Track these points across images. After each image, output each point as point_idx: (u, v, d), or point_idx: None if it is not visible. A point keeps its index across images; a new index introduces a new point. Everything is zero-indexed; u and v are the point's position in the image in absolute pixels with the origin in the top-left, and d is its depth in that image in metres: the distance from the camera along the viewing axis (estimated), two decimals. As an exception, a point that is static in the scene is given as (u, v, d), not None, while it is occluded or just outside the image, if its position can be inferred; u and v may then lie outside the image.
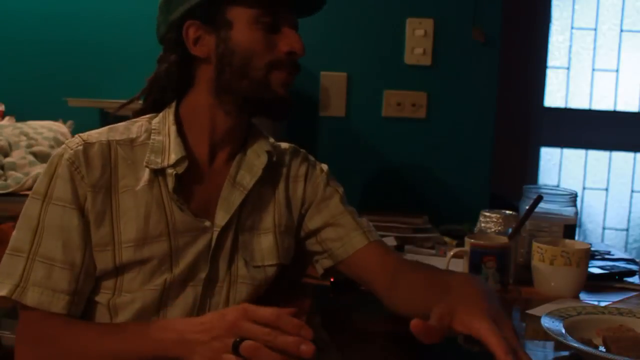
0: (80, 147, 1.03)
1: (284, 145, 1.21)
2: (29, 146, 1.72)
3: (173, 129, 1.07)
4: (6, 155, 1.68)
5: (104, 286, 1.03)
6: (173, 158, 1.04)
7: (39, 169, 1.63)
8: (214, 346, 0.84)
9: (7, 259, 1.00)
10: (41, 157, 1.70)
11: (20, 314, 1.01)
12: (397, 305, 1.09)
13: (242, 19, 1.03)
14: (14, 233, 1.01)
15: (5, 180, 1.61)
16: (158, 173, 1.04)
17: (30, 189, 1.13)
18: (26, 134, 1.76)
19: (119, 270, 1.02)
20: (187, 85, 1.09)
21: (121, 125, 1.10)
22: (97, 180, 1.02)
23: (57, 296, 0.98)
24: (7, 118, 1.90)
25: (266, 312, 0.83)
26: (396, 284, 1.08)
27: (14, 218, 1.05)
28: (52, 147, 1.75)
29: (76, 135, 1.06)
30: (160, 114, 1.11)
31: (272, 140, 1.19)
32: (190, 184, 1.07)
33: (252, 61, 1.03)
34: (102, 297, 1.03)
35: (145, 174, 1.04)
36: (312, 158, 1.22)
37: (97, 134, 1.06)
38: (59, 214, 1.00)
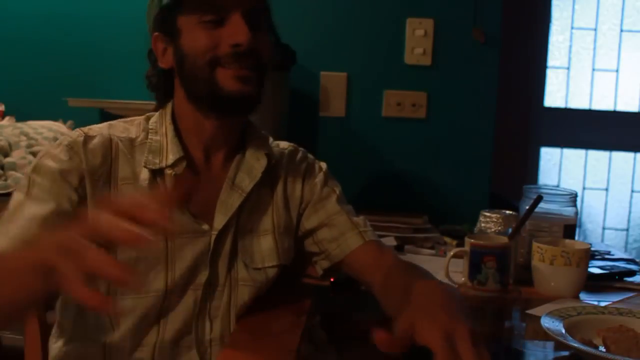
0: (81, 138, 1.04)
1: (283, 144, 1.21)
2: (29, 146, 1.72)
3: (170, 128, 1.07)
4: (6, 155, 1.68)
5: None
6: (171, 158, 1.04)
7: (39, 169, 1.63)
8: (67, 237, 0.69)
9: None
10: (41, 157, 1.70)
11: None
12: (385, 307, 1.08)
13: (188, 24, 1.02)
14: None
15: (5, 180, 1.61)
16: (157, 173, 1.04)
17: (30, 189, 1.14)
18: (26, 134, 1.76)
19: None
20: (171, 94, 1.10)
21: (120, 124, 1.10)
22: (97, 167, 1.02)
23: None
24: (7, 118, 1.90)
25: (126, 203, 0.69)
26: (387, 286, 1.08)
27: (14, 218, 1.05)
28: (52, 147, 1.75)
29: (76, 129, 1.06)
30: (157, 113, 1.11)
31: (270, 139, 1.18)
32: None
33: (196, 61, 1.01)
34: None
35: (144, 174, 1.04)
36: (310, 157, 1.22)
37: (97, 128, 1.07)
38: (49, 178, 0.99)
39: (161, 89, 1.11)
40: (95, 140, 1.04)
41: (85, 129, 1.06)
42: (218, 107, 1.04)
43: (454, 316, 0.78)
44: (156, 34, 1.06)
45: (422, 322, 0.77)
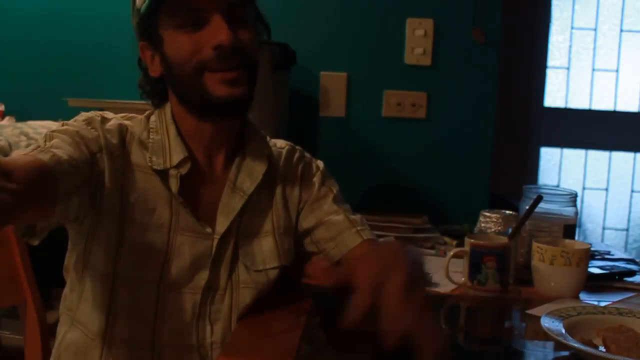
0: (98, 117, 1.03)
1: (280, 143, 1.20)
2: (28, 146, 1.72)
3: (172, 128, 1.07)
4: (6, 155, 1.68)
5: (102, 255, 1.01)
6: (175, 159, 1.04)
7: (39, 169, 1.63)
8: None
9: None
10: (41, 157, 1.70)
11: None
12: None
13: (169, 30, 1.00)
14: None
15: (5, 180, 1.61)
16: (161, 174, 1.04)
17: (30, 189, 1.13)
18: (26, 134, 1.76)
19: (117, 243, 1.01)
20: (167, 99, 1.10)
21: (125, 118, 1.10)
22: (114, 147, 1.01)
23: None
24: (7, 118, 1.90)
25: None
26: None
27: (14, 218, 1.04)
28: (52, 147, 1.75)
29: (91, 112, 1.06)
30: (156, 112, 1.10)
31: (268, 138, 1.18)
32: (195, 186, 1.07)
33: (183, 69, 1.00)
34: (103, 269, 1.01)
35: (150, 172, 1.04)
36: (308, 155, 1.22)
37: (111, 115, 1.07)
38: (69, 135, 0.97)
39: (156, 96, 1.10)
40: (112, 122, 1.04)
41: (100, 112, 1.06)
42: (211, 113, 1.03)
43: (398, 263, 0.76)
44: (142, 42, 1.05)
45: (363, 265, 0.77)
